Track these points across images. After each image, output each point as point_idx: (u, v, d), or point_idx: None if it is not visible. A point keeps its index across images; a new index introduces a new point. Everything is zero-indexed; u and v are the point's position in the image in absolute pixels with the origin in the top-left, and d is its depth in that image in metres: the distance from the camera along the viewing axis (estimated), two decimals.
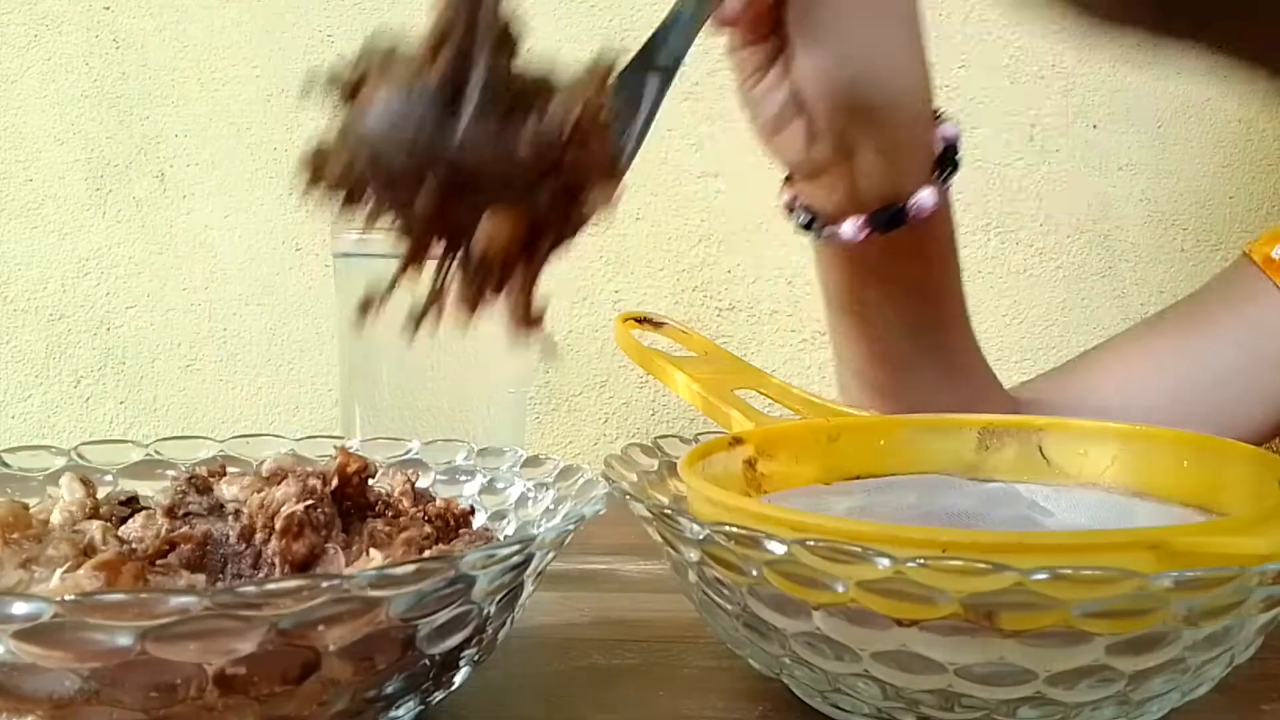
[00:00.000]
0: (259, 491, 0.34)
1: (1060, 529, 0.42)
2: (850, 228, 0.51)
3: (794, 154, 0.50)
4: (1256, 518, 0.32)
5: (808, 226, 0.53)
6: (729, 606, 0.33)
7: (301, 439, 0.44)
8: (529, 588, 0.34)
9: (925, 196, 0.50)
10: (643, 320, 0.53)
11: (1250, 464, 0.38)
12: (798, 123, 0.49)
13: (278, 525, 0.32)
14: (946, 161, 0.52)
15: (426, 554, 0.35)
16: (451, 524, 0.38)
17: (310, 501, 0.33)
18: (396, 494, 0.39)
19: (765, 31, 0.47)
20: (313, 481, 0.34)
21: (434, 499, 0.39)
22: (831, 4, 0.46)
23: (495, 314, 0.30)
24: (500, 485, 0.42)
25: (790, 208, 0.54)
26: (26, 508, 0.34)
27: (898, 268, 0.53)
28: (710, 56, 0.81)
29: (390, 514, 0.37)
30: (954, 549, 0.28)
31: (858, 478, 0.44)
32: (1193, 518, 0.39)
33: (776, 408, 0.48)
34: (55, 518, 0.35)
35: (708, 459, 0.40)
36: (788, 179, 0.54)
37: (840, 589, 0.28)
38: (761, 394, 0.49)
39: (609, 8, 0.81)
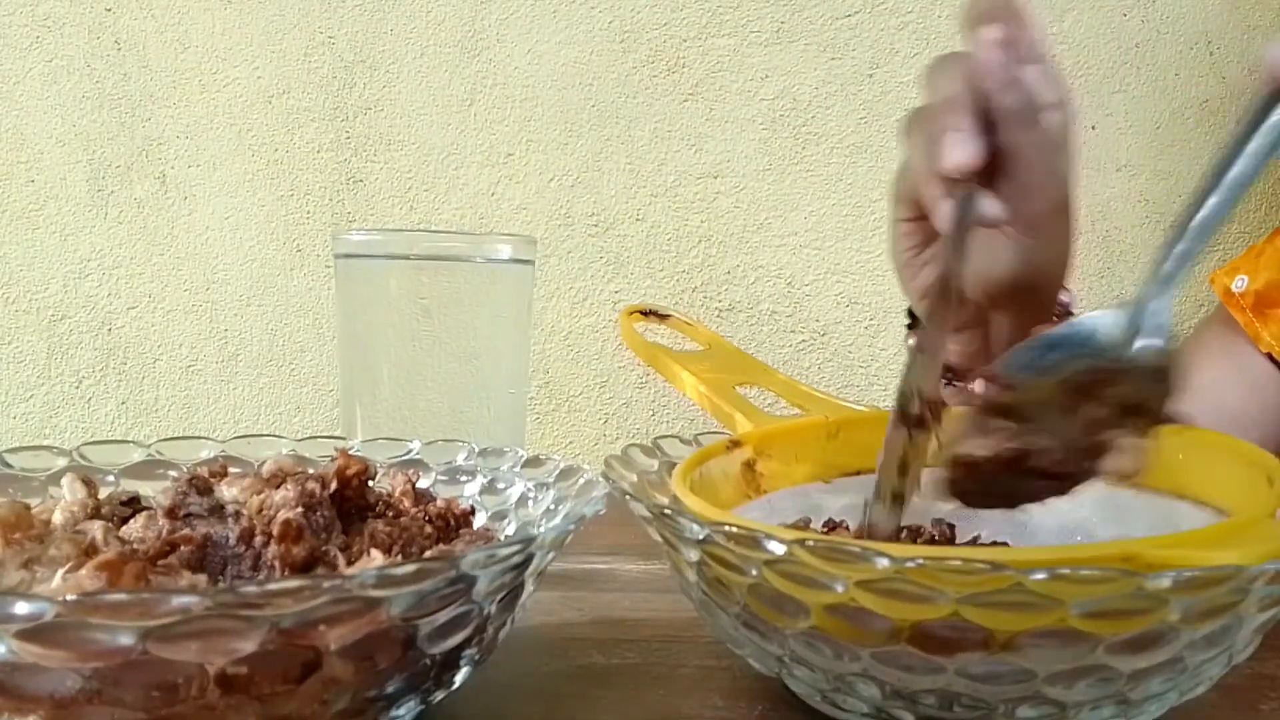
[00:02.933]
0: (258, 494, 0.34)
1: (1054, 522, 0.42)
2: (981, 387, 0.52)
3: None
4: (1234, 527, 0.32)
5: None
6: (729, 606, 0.33)
7: (302, 439, 0.44)
8: (529, 587, 0.34)
9: None
10: (648, 313, 0.53)
11: (1243, 460, 0.38)
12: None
13: (275, 530, 0.32)
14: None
15: (427, 554, 0.35)
16: (452, 524, 0.38)
17: (307, 506, 0.33)
18: (397, 494, 0.39)
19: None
20: (311, 485, 0.34)
21: (434, 499, 0.39)
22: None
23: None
24: (501, 485, 0.43)
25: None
26: (28, 508, 0.34)
27: None
28: (711, 57, 0.81)
29: (391, 514, 0.37)
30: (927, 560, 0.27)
31: (859, 473, 0.44)
32: (1188, 511, 0.39)
33: (780, 402, 0.48)
34: (57, 518, 0.35)
35: (704, 464, 0.40)
36: (914, 324, 0.55)
37: (839, 589, 0.29)
38: (766, 389, 0.49)
39: (609, 8, 0.81)
